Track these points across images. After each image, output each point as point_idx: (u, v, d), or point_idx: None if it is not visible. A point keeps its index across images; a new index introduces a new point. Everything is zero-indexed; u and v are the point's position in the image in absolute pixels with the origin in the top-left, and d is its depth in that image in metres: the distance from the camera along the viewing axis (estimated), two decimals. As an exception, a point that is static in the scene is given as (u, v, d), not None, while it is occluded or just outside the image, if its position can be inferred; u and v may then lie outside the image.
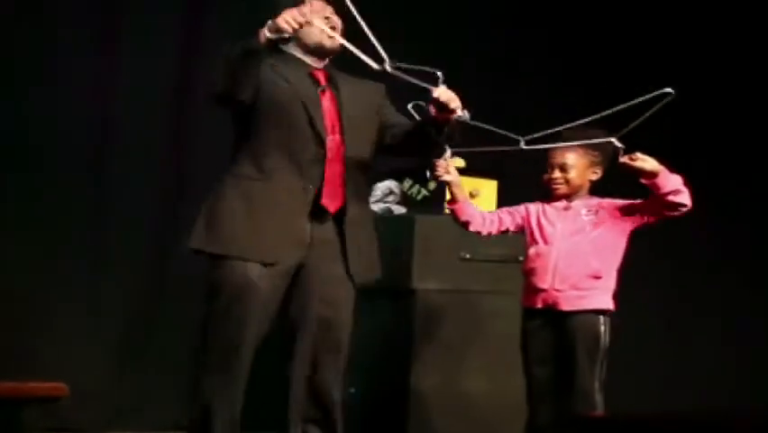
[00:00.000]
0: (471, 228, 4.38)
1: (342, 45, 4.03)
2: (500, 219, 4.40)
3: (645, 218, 4.29)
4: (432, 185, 5.15)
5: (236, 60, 3.84)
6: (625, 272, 4.39)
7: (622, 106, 4.04)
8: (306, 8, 3.88)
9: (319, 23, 3.98)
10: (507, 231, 4.42)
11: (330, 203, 4.02)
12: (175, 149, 5.63)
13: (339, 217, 4.06)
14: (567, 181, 4.33)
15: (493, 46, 6.18)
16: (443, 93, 3.89)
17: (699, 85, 6.00)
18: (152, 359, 5.48)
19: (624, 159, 4.14)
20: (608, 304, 4.30)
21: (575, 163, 4.32)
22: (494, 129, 4.10)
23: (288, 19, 3.77)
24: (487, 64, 6.15)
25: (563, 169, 4.32)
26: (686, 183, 4.17)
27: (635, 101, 4.02)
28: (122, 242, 5.47)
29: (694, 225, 5.65)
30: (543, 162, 4.36)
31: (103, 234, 5.46)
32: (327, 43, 4.08)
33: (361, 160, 4.10)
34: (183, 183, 5.57)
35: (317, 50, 4.12)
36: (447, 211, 4.52)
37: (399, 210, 5.28)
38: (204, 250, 4.00)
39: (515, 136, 4.11)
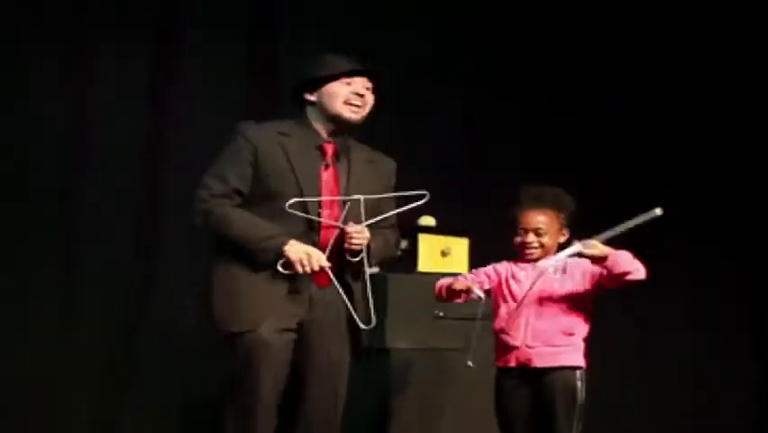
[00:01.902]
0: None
1: (361, 118, 4.11)
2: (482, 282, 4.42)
3: (606, 285, 4.32)
4: (404, 243, 5.21)
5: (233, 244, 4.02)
6: (596, 327, 4.44)
7: None
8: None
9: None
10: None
11: (321, 280, 4.12)
12: (149, 176, 5.63)
13: (339, 278, 4.15)
14: (542, 246, 4.36)
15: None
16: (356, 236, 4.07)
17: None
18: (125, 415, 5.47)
19: (577, 246, 4.21)
20: (581, 362, 4.34)
21: (548, 228, 4.37)
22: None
23: (304, 263, 3.95)
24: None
25: (538, 233, 4.36)
26: (636, 255, 4.23)
27: None
28: (93, 295, 5.44)
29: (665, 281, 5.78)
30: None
31: (74, 287, 5.44)
32: (346, 115, 4.11)
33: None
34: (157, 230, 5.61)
35: (335, 120, 4.14)
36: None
37: (372, 269, 5.30)
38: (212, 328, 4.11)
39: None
